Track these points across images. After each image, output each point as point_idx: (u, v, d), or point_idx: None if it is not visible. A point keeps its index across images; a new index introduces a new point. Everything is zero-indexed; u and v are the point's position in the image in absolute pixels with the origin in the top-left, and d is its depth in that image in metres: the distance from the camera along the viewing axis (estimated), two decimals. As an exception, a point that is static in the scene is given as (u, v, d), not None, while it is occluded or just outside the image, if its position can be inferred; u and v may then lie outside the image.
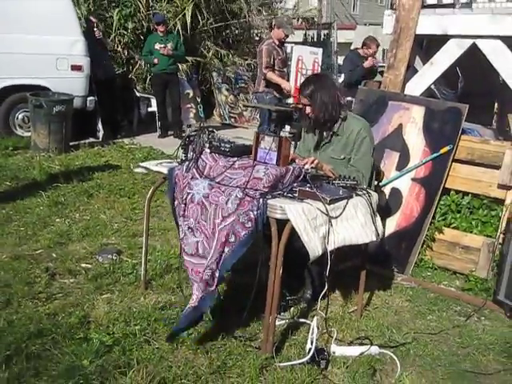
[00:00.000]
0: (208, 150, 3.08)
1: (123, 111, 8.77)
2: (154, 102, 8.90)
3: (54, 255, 3.92)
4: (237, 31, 11.00)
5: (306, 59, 10.36)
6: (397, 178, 4.21)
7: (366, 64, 7.19)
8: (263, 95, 6.77)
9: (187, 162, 3.09)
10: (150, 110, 9.05)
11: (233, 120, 11.54)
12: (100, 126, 7.95)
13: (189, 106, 10.56)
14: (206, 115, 11.24)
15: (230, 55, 10.96)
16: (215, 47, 10.74)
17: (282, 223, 2.63)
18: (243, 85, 11.79)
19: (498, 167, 3.87)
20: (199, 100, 11.01)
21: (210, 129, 3.16)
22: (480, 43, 4.06)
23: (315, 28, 17.84)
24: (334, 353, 2.81)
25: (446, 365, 2.85)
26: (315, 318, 2.78)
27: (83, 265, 3.78)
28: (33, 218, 4.61)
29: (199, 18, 9.82)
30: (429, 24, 4.24)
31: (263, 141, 2.96)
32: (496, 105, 5.88)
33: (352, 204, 2.87)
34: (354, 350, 2.86)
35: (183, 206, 2.97)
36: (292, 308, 3.27)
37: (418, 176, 4.15)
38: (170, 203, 3.18)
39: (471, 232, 4.00)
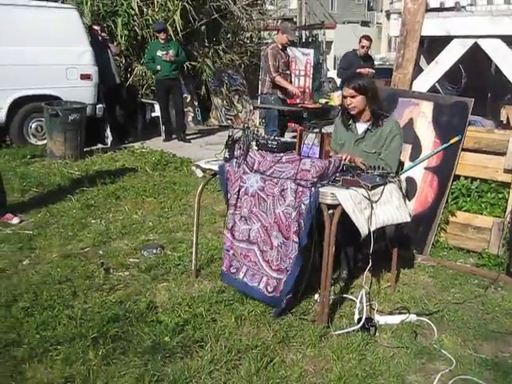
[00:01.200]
0: (255, 148, 3.43)
1: (129, 117, 9.04)
2: (157, 107, 9.19)
3: (101, 252, 4.23)
4: (228, 35, 11.29)
5: (298, 60, 10.77)
6: (411, 168, 4.59)
7: (361, 70, 7.71)
8: (268, 96, 7.12)
9: (236, 159, 3.43)
10: (153, 115, 9.34)
11: (229, 122, 11.86)
12: (109, 132, 8.24)
13: (187, 109, 10.86)
14: (204, 118, 11.58)
15: (224, 57, 11.24)
16: (207, 49, 10.99)
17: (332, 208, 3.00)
18: (238, 87, 12.12)
19: (503, 154, 4.28)
20: (196, 104, 11.35)
21: (254, 129, 3.50)
22: (481, 42, 4.47)
23: (303, 29, 18.17)
24: (378, 322, 3.18)
25: (476, 327, 3.23)
26: (362, 290, 3.15)
27: (131, 259, 4.10)
28: (69, 221, 4.90)
29: (191, 20, 10.04)
30: (433, 26, 4.64)
31: (306, 137, 3.33)
32: (489, 97, 6.32)
33: (387, 190, 3.25)
34: (395, 319, 3.24)
35: (235, 197, 3.32)
36: (332, 286, 3.63)
37: (431, 165, 4.54)
38: (223, 196, 3.52)
39: (481, 214, 4.41)
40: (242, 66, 11.62)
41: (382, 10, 39.35)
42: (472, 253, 4.41)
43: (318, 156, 3.27)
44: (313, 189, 3.01)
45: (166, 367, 2.68)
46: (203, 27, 10.44)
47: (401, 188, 3.39)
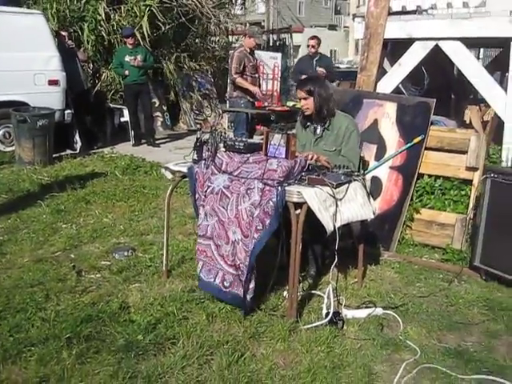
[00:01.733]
0: (223, 149, 3.50)
1: (97, 122, 9.02)
2: (126, 112, 9.18)
3: (73, 256, 4.25)
4: (197, 39, 11.35)
5: (266, 64, 10.89)
6: (376, 168, 4.72)
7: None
8: (237, 100, 7.21)
9: (204, 161, 3.50)
10: (122, 120, 9.33)
11: (198, 126, 11.89)
12: (77, 137, 8.20)
13: (155, 114, 10.88)
14: (172, 123, 11.62)
15: (192, 62, 11.30)
16: (176, 54, 11.01)
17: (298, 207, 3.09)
18: (206, 91, 12.18)
19: (464, 152, 4.44)
20: (165, 108, 11.37)
21: (221, 130, 3.57)
22: (442, 44, 4.64)
23: (271, 33, 18.30)
24: (345, 316, 3.28)
25: (440, 319, 3.36)
26: (330, 286, 3.24)
27: (103, 262, 4.12)
28: (40, 226, 4.89)
29: (159, 24, 10.07)
30: (395, 29, 4.79)
31: (272, 138, 3.41)
32: (452, 97, 6.52)
33: (352, 188, 3.36)
34: (362, 313, 3.34)
35: (203, 197, 3.39)
36: (301, 283, 3.71)
37: (395, 164, 4.68)
38: (191, 197, 3.58)
39: (445, 210, 4.56)
40: (210, 70, 11.68)
41: (349, 14, 39.92)
42: (436, 249, 4.56)
43: (284, 156, 3.36)
44: (279, 187, 3.09)
45: (139, 364, 2.73)
46: (170, 32, 10.46)
47: (365, 186, 3.50)
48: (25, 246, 4.41)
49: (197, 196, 3.50)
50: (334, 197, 3.17)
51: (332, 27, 37.05)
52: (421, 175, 4.65)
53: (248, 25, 17.08)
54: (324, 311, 3.25)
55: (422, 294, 3.72)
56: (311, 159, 3.47)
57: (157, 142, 9.30)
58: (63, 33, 8.53)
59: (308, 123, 3.90)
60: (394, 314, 3.34)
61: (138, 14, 9.55)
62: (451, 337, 3.18)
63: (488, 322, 3.37)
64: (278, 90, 11.01)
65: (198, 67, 11.31)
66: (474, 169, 4.40)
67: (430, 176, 4.65)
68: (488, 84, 4.41)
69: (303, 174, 3.28)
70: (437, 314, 3.42)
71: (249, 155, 3.39)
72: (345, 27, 40.00)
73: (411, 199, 4.61)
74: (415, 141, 4.57)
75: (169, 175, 3.87)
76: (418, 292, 3.77)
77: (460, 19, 4.44)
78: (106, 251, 4.35)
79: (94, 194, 5.92)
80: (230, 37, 13.20)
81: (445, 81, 5.82)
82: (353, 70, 18.07)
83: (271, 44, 15.90)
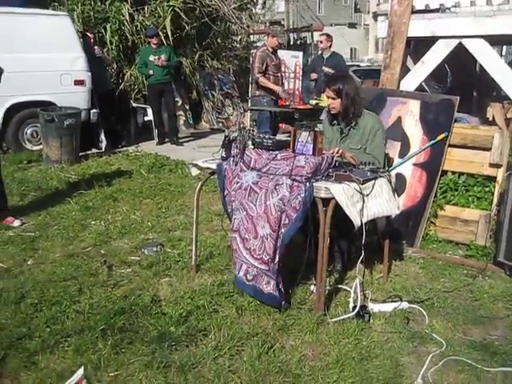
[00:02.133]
0: (251, 146, 3.59)
1: (121, 122, 9.17)
2: (149, 111, 9.32)
3: (103, 251, 4.36)
4: (218, 39, 11.45)
5: (288, 63, 10.94)
6: (400, 165, 4.76)
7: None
8: (260, 99, 7.30)
9: (233, 158, 3.59)
10: (146, 119, 9.47)
11: (221, 125, 12.02)
12: (103, 136, 8.36)
13: (178, 113, 11.00)
14: (195, 122, 11.74)
15: (214, 61, 11.40)
16: (198, 53, 11.13)
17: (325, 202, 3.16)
18: (228, 90, 12.28)
19: (487, 149, 4.47)
20: (188, 107, 11.50)
21: (249, 129, 3.66)
22: (466, 42, 4.67)
23: (292, 31, 18.35)
24: (372, 309, 3.34)
25: (464, 313, 3.41)
26: (356, 280, 3.31)
27: (132, 257, 4.24)
28: (70, 222, 5.03)
29: (182, 23, 10.17)
30: (418, 27, 4.83)
31: (300, 135, 3.49)
32: (475, 94, 6.53)
33: (378, 184, 3.41)
34: (388, 307, 3.40)
35: (233, 193, 3.47)
36: (327, 278, 3.78)
37: (419, 161, 4.72)
38: (220, 193, 3.67)
39: (468, 207, 4.59)
40: (232, 69, 11.76)
41: (368, 12, 39.74)
42: (460, 245, 4.59)
43: (311, 153, 3.43)
44: (307, 183, 3.17)
45: (172, 355, 2.83)
46: (193, 32, 10.57)
47: (390, 182, 3.55)
48: (56, 242, 4.54)
49: (225, 192, 3.59)
50: (361, 193, 3.23)
51: (352, 25, 36.96)
52: (444, 172, 4.68)
53: (268, 24, 17.17)
54: (351, 305, 3.32)
55: (447, 289, 3.76)
56: (337, 154, 3.53)
57: (180, 140, 9.42)
58: (89, 34, 8.67)
59: (335, 121, 3.96)
60: (420, 308, 3.39)
61: (161, 14, 9.66)
62: (476, 330, 3.23)
63: (513, 316, 3.41)
64: (300, 89, 11.05)
65: (220, 66, 11.39)
66: (497, 165, 4.42)
67: (453, 173, 4.68)
68: (512, 81, 4.44)
69: (330, 170, 3.35)
70: (462, 309, 3.46)
71: (277, 152, 3.47)
72: (365, 25, 39.87)
73: (435, 196, 4.65)
74: (439, 138, 4.61)
75: (195, 171, 3.93)
76: (442, 287, 3.81)
77: (483, 17, 4.47)
78: (135, 247, 4.47)
79: (121, 191, 6.05)
80: (251, 36, 13.26)
81: (467, 78, 5.83)
82: (374, 67, 18.10)
83: (292, 43, 15.97)
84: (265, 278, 3.29)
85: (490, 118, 5.68)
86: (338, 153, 3.55)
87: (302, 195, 3.17)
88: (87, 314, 3.23)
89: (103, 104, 8.50)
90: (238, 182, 3.46)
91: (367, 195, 3.29)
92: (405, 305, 3.42)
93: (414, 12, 4.88)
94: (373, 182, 3.37)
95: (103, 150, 8.34)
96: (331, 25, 34.66)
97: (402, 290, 3.69)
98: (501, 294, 3.68)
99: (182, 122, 11.26)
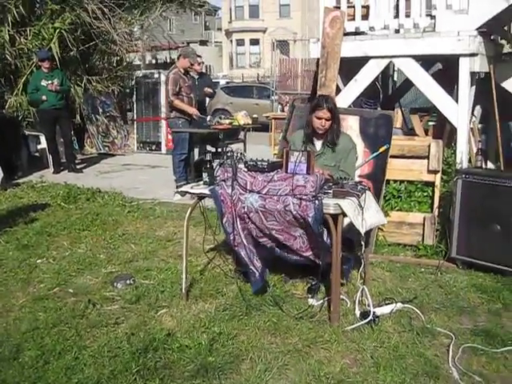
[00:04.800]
0: (245, 169, 3.65)
1: (13, 151, 8.54)
2: (42, 138, 8.80)
3: (71, 290, 4.09)
4: (101, 60, 11.15)
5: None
6: (346, 177, 5.09)
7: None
8: (175, 120, 7.28)
9: (226, 182, 3.63)
10: (39, 147, 8.93)
11: (107, 149, 11.71)
12: None
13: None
14: (80, 146, 11.30)
15: (97, 84, 11.07)
16: (80, 77, 10.74)
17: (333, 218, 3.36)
18: (111, 113, 11.98)
19: (424, 157, 4.97)
20: (72, 132, 10.99)
21: (240, 152, 3.72)
22: (396, 61, 5.16)
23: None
24: (375, 313, 3.58)
25: (449, 306, 3.78)
26: (361, 288, 3.53)
27: (109, 293, 4.05)
28: (13, 264, 4.62)
29: (68, 46, 9.79)
30: (351, 48, 5.23)
31: (292, 156, 3.63)
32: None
33: (366, 197, 3.68)
34: (386, 309, 3.66)
35: (245, 216, 3.55)
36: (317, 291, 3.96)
37: (364, 173, 5.07)
38: (219, 218, 3.69)
39: (412, 211, 5.06)
40: (117, 91, 11.51)
41: (220, 29, 40.79)
42: (408, 246, 5.03)
43: (305, 172, 3.60)
44: (316, 201, 3.33)
45: (224, 382, 2.81)
46: (76, 54, 10.19)
47: (373, 194, 3.85)
48: (10, 287, 4.18)
49: (224, 220, 3.62)
50: (360, 206, 3.47)
51: (203, 43, 37.66)
52: (387, 181, 5.10)
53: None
54: (357, 312, 3.53)
55: (419, 287, 4.13)
56: (321, 174, 3.73)
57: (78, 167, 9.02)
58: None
59: (313, 139, 4.14)
60: (413, 307, 3.70)
61: (46, 36, 9.19)
62: (466, 319, 3.61)
63: (486, 303, 3.85)
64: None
65: (104, 88, 11.07)
66: (435, 171, 4.93)
67: (395, 181, 5.12)
68: (440, 96, 4.98)
69: (325, 187, 3.54)
70: (445, 303, 3.84)
71: (272, 173, 3.58)
72: (216, 42, 40.80)
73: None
74: (381, 150, 5.01)
75: (177, 197, 3.90)
76: (416, 286, 4.18)
77: (412, 38, 4.98)
78: (103, 282, 4.26)
79: (51, 225, 5.68)
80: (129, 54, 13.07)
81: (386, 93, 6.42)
82: (245, 84, 18.67)
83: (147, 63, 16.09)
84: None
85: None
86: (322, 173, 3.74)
87: (312, 214, 3.33)
88: (105, 357, 3.07)
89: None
90: (244, 207, 3.51)
91: (363, 208, 3.53)
92: (399, 305, 3.71)
93: (345, 34, 5.27)
94: (364, 195, 3.63)
95: (0, 182, 7.70)
96: (183, 43, 34.99)
97: (386, 293, 3.99)
98: (465, 286, 4.13)
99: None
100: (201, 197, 3.79)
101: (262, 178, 3.57)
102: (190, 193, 3.78)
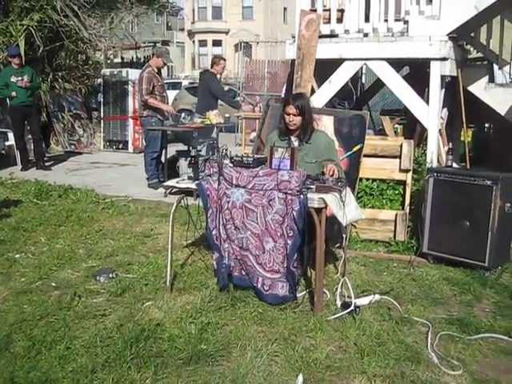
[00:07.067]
0: (230, 164, 3.76)
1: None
2: (10, 135, 8.68)
3: (54, 284, 4.12)
4: (71, 56, 11.06)
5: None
6: (322, 175, 5.25)
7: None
8: (148, 119, 7.33)
9: (212, 176, 3.73)
10: (7, 144, 8.79)
11: (73, 147, 11.61)
12: (-34, 165, 7.61)
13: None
14: (46, 144, 11.16)
15: (64, 82, 11.00)
16: (49, 74, 10.65)
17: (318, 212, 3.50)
18: (77, 111, 11.89)
19: (396, 157, 5.18)
20: (38, 130, 10.87)
21: (225, 148, 3.83)
22: (370, 64, 5.37)
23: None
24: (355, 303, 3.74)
25: (424, 297, 3.98)
26: (344, 279, 3.69)
27: (92, 287, 4.08)
28: (-9, 259, 4.62)
29: (35, 43, 9.68)
30: (327, 50, 5.40)
31: (276, 152, 3.76)
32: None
33: (347, 192, 3.84)
34: (365, 300, 3.83)
35: (227, 211, 3.63)
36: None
37: (338, 171, 5.26)
38: (205, 212, 3.78)
39: (384, 208, 5.26)
40: (84, 89, 11.44)
41: (183, 30, 40.60)
42: (380, 242, 5.23)
43: (289, 168, 3.73)
44: (301, 196, 3.47)
45: (216, 370, 2.91)
46: (43, 52, 10.07)
47: (352, 191, 4.01)
48: (-8, 280, 4.18)
49: (210, 212, 3.72)
50: (342, 201, 3.62)
51: (165, 43, 37.37)
52: (360, 179, 5.29)
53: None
54: (338, 302, 3.69)
55: (393, 281, 4.32)
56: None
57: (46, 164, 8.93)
58: None
59: (287, 135, 4.27)
60: (390, 299, 3.87)
61: (13, 33, 9.07)
62: (439, 310, 3.81)
63: (458, 295, 4.07)
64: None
65: (70, 87, 10.99)
66: (406, 170, 5.15)
67: (367, 179, 5.31)
68: (412, 98, 5.21)
69: (307, 182, 3.68)
70: (420, 294, 4.04)
71: (258, 169, 3.70)
72: (178, 42, 40.60)
73: (355, 201, 5.23)
74: (355, 149, 5.19)
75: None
76: (391, 279, 4.37)
77: (386, 42, 5.19)
78: (85, 276, 4.29)
79: (26, 221, 5.66)
80: (97, 54, 13.00)
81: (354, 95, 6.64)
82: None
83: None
84: (279, 284, 3.52)
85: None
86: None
87: (297, 208, 3.46)
88: (97, 347, 3.12)
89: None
90: (228, 201, 3.62)
91: (345, 202, 3.69)
92: (377, 297, 3.88)
93: (321, 36, 5.44)
94: (345, 191, 3.79)
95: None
96: (144, 42, 34.74)
97: (363, 286, 4.16)
98: (437, 279, 4.34)
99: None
100: (185, 192, 3.88)
101: (247, 173, 3.68)
102: (177, 187, 3.86)
